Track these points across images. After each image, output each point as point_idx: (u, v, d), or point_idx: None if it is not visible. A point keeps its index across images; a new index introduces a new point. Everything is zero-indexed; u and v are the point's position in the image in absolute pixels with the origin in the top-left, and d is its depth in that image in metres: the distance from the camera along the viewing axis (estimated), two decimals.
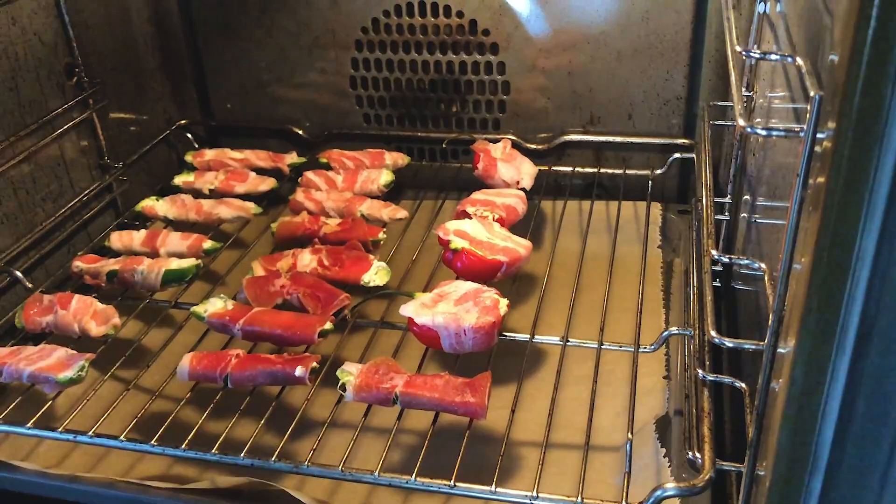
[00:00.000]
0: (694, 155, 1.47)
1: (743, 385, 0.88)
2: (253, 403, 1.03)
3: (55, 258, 1.40)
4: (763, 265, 0.84)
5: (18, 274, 1.25)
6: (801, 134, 0.56)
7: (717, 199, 1.23)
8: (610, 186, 1.55)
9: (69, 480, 1.00)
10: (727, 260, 0.87)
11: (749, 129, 0.68)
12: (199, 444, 0.96)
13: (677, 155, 1.48)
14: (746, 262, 0.86)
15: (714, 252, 0.87)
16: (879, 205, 0.50)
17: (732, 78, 0.84)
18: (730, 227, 1.26)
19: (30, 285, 1.26)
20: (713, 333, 0.78)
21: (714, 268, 1.26)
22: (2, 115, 1.30)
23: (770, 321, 0.64)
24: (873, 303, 0.52)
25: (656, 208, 1.49)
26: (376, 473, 0.91)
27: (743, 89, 1.15)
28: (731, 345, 0.78)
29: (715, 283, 1.10)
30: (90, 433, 0.99)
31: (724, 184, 1.31)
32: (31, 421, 1.00)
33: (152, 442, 0.96)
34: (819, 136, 0.55)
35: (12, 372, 1.05)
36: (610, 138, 1.53)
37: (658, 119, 1.51)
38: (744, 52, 0.79)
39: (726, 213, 1.26)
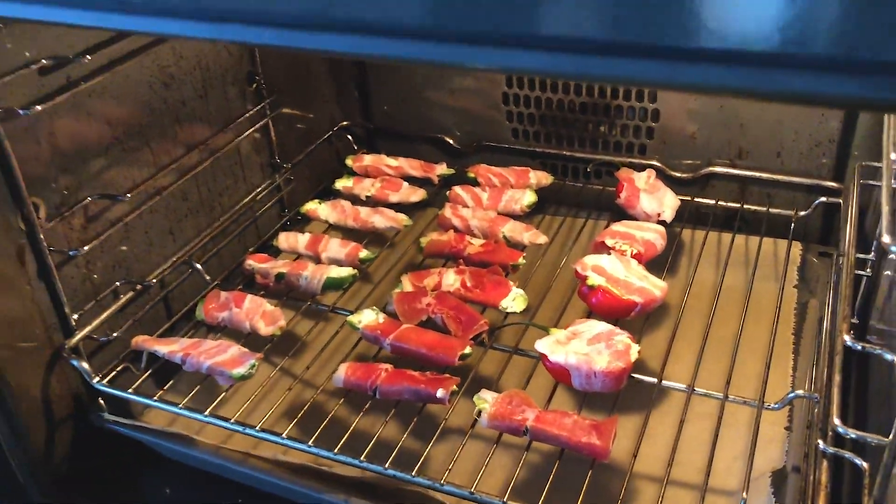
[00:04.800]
0: (840, 200, 1.46)
1: (864, 464, 0.90)
2: (396, 412, 1.15)
3: (227, 249, 1.54)
4: None
5: (199, 267, 1.40)
6: None
7: (858, 255, 1.22)
8: (752, 220, 1.55)
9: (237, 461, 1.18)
10: (859, 348, 0.89)
11: None
12: (348, 446, 1.09)
13: (823, 199, 1.47)
14: (878, 352, 0.88)
15: (847, 338, 0.89)
16: None
17: (886, 137, 0.84)
18: (870, 285, 1.26)
19: (207, 278, 1.41)
20: (836, 422, 0.82)
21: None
22: (193, 120, 1.44)
23: None
24: None
25: (796, 248, 1.49)
26: (504, 500, 1.00)
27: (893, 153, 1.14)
28: (854, 436, 0.82)
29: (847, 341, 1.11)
30: (257, 427, 1.13)
31: (871, 236, 1.30)
32: (208, 409, 1.16)
33: (309, 443, 1.10)
34: None
35: (194, 363, 1.20)
36: (756, 174, 1.54)
37: (807, 159, 1.50)
38: None
39: (868, 269, 1.25)
